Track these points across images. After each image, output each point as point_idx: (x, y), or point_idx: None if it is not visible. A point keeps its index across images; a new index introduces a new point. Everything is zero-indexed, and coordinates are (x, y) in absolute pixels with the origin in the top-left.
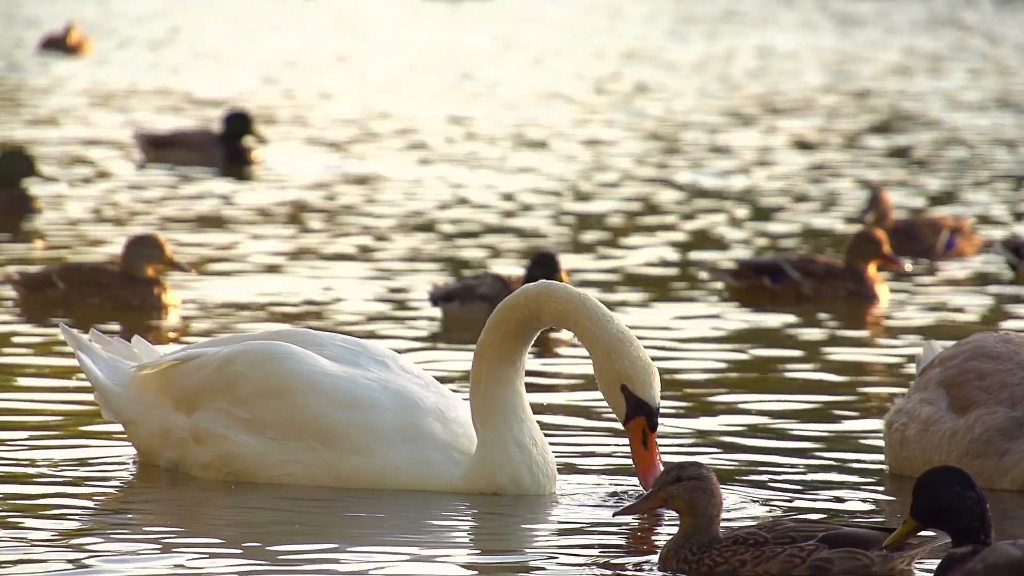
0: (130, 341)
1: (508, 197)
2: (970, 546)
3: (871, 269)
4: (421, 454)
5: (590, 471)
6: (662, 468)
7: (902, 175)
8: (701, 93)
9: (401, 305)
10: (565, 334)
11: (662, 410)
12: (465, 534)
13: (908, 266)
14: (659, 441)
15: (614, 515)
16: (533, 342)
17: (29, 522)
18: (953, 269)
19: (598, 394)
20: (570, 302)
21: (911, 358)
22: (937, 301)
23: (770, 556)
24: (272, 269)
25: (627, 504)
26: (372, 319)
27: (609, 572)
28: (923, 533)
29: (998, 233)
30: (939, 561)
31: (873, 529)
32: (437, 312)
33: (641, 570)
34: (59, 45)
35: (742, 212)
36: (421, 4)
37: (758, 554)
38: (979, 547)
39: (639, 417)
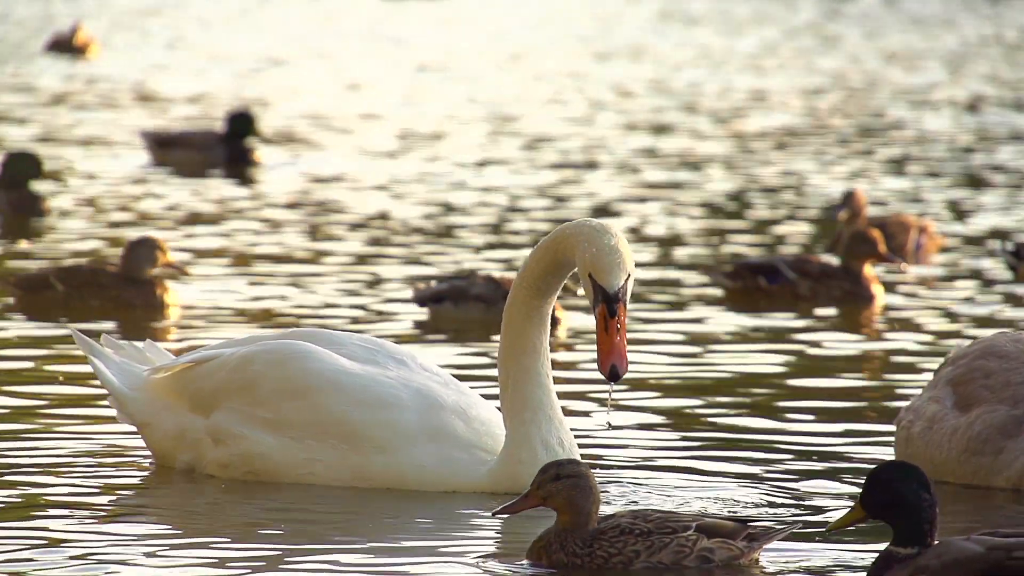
0: (134, 342)
1: (491, 198)
2: (916, 548)
3: (867, 268)
4: (445, 453)
5: (612, 468)
6: (627, 355)
7: (872, 174)
8: (683, 92)
9: (387, 305)
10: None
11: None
12: (487, 534)
13: (904, 265)
14: (657, 442)
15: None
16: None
17: (41, 525)
18: (947, 268)
19: (623, 391)
20: (554, 233)
21: (909, 357)
22: (935, 301)
23: (660, 547)
24: (270, 270)
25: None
26: (365, 320)
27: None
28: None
29: (957, 232)
30: (875, 557)
31: (730, 520)
32: (422, 313)
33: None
34: (65, 46)
35: (724, 212)
36: (383, 3)
37: (648, 545)
38: (924, 549)
39: (602, 304)
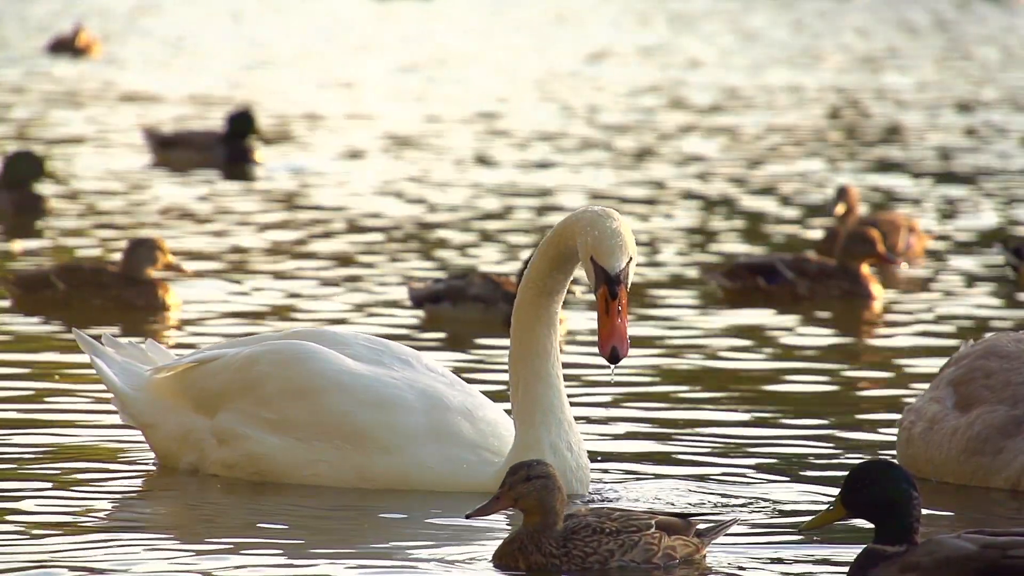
0: (133, 342)
1: (484, 196)
2: (904, 545)
3: (865, 268)
4: (451, 454)
5: (621, 471)
6: (627, 338)
7: (859, 173)
8: (674, 91)
9: (384, 305)
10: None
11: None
12: (492, 535)
13: (904, 265)
14: (654, 441)
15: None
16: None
17: (42, 526)
18: (945, 268)
19: (623, 389)
20: (557, 224)
21: (908, 357)
22: (934, 300)
23: (631, 545)
24: (270, 269)
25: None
26: (363, 320)
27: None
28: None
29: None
30: (856, 555)
31: (676, 515)
32: (419, 313)
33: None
34: (67, 47)
35: (721, 212)
36: (372, 4)
37: (620, 543)
38: (911, 546)
39: (603, 286)
